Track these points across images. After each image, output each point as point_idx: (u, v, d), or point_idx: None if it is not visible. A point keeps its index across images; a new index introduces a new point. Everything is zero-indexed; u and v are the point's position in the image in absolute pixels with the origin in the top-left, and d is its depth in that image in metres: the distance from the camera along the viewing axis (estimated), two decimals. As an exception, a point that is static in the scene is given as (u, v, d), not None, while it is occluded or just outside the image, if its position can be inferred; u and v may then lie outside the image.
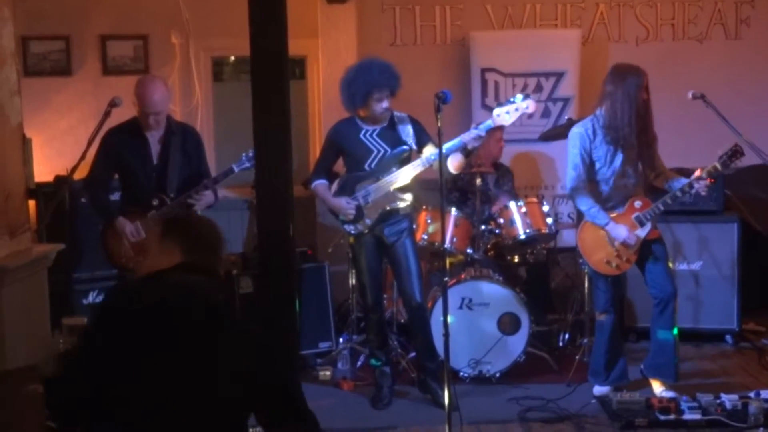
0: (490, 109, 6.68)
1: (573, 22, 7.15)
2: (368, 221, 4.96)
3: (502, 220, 5.66)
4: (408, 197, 5.00)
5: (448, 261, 4.16)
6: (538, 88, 6.76)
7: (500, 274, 5.63)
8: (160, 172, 4.90)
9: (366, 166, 4.97)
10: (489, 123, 4.78)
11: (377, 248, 5.06)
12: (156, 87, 4.86)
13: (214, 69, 7.33)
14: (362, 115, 4.97)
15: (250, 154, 4.83)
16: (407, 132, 4.98)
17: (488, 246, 5.80)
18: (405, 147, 4.96)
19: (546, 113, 6.78)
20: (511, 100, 4.80)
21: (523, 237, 5.58)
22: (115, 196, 5.20)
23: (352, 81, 4.90)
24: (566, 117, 6.37)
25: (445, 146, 4.57)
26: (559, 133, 6.02)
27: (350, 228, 5.02)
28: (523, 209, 5.61)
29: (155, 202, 4.86)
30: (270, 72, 2.74)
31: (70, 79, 6.95)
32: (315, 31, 6.88)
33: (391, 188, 4.92)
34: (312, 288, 5.89)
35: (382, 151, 4.95)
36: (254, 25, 2.61)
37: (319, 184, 5.13)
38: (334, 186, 5.15)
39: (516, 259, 5.92)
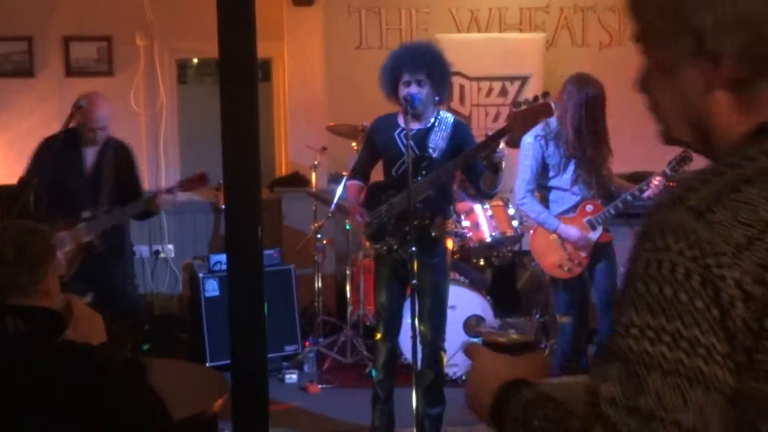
0: (457, 114, 6.82)
1: (537, 27, 7.20)
2: (392, 241, 4.28)
3: (467, 223, 5.68)
4: (440, 219, 4.29)
5: (415, 264, 4.14)
6: (503, 93, 6.80)
7: (466, 277, 5.66)
8: (93, 183, 4.97)
9: (393, 171, 4.33)
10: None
11: (400, 270, 4.34)
12: (104, 103, 4.96)
13: (177, 71, 7.30)
14: (401, 109, 4.29)
15: None
16: (443, 136, 4.27)
17: (454, 249, 5.82)
18: (426, 154, 4.23)
19: (511, 117, 6.80)
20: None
21: (488, 240, 5.61)
22: None
23: (388, 60, 4.32)
24: (531, 121, 6.40)
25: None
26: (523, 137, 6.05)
27: (374, 245, 4.41)
28: (489, 212, 5.63)
29: (87, 214, 4.87)
30: (238, 74, 2.73)
31: (33, 81, 6.88)
32: (281, 33, 6.87)
33: (416, 203, 4.08)
34: (278, 291, 5.87)
35: (412, 155, 4.15)
36: (222, 27, 2.60)
37: (351, 184, 4.56)
38: (362, 195, 4.51)
39: (482, 261, 5.95)
